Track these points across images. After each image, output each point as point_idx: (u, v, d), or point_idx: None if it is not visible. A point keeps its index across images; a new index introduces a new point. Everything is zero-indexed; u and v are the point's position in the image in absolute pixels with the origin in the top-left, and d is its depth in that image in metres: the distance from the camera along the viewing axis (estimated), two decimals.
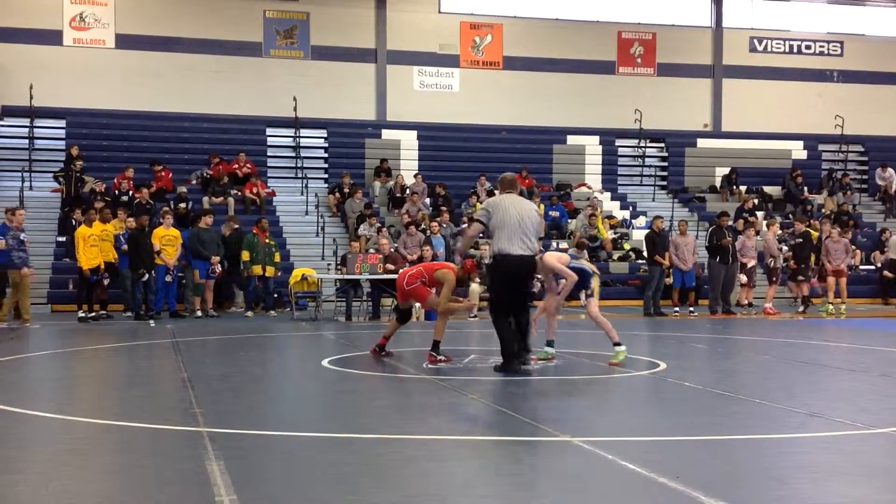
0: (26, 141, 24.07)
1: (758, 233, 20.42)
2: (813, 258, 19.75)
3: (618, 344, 9.99)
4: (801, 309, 19.37)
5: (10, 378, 9.51)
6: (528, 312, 9.54)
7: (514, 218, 9.25)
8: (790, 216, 24.75)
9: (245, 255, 18.00)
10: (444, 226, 21.21)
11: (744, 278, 19.22)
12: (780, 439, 6.27)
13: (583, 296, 10.17)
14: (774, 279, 19.08)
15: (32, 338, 13.66)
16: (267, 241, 18.30)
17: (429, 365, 9.67)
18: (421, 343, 13.27)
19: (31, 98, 23.87)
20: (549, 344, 10.26)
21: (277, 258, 18.55)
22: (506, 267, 9.26)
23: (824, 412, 7.14)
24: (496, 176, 25.33)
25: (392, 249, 18.16)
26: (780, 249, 20.16)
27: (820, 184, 27.96)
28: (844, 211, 26.02)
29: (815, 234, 20.37)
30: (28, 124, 24.21)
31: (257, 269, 17.98)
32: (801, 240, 19.42)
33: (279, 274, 18.65)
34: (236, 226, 19.11)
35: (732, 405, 7.63)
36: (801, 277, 19.60)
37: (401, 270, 10.96)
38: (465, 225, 9.34)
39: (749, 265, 19.18)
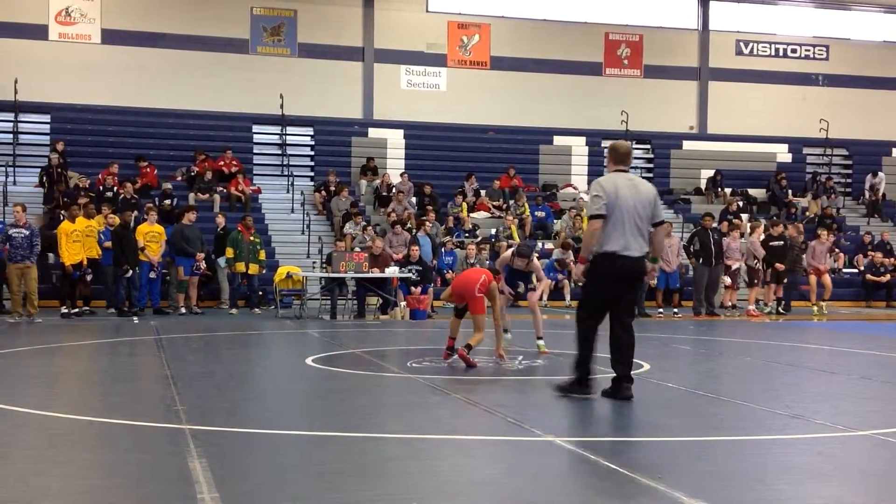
0: (10, 136, 23.92)
1: (742, 235, 20.50)
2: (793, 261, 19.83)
3: (540, 338, 10.84)
4: (767, 311, 19.43)
5: None
6: (631, 328, 7.81)
7: (630, 207, 7.44)
8: (774, 218, 24.86)
9: (229, 253, 17.95)
10: (431, 225, 21.24)
11: (728, 280, 19.30)
12: (762, 441, 6.30)
13: (521, 287, 10.94)
14: (756, 281, 19.16)
15: (14, 334, 13.59)
16: (251, 238, 18.26)
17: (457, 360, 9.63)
18: (406, 342, 13.28)
19: (16, 92, 23.74)
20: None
21: (262, 256, 18.51)
22: (613, 270, 7.50)
23: (805, 414, 7.18)
24: (484, 175, 25.70)
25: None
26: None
27: (804, 187, 28.11)
28: (828, 214, 26.16)
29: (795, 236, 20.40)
30: (12, 119, 24.07)
31: (241, 267, 17.93)
32: (781, 242, 19.50)
33: (264, 271, 18.61)
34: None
35: (715, 406, 7.67)
36: (774, 281, 19.58)
37: (467, 273, 10.18)
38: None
39: (733, 267, 19.27)
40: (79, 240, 16.24)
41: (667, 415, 7.28)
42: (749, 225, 20.48)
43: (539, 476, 5.19)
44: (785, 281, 19.44)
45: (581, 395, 7.56)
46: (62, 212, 18.73)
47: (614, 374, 7.71)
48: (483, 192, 24.85)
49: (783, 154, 29.21)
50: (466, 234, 22.51)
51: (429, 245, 19.00)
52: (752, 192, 27.59)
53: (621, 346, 7.66)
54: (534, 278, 11.34)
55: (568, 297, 20.92)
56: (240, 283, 18.22)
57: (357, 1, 26.94)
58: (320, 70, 26.52)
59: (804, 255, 20.13)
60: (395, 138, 26.59)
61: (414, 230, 20.21)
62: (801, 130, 29.34)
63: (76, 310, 16.24)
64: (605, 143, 27.95)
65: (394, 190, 23.74)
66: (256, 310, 18.00)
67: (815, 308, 19.50)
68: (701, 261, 18.59)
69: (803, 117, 29.35)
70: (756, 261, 19.02)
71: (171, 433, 6.14)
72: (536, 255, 22.43)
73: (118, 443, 5.97)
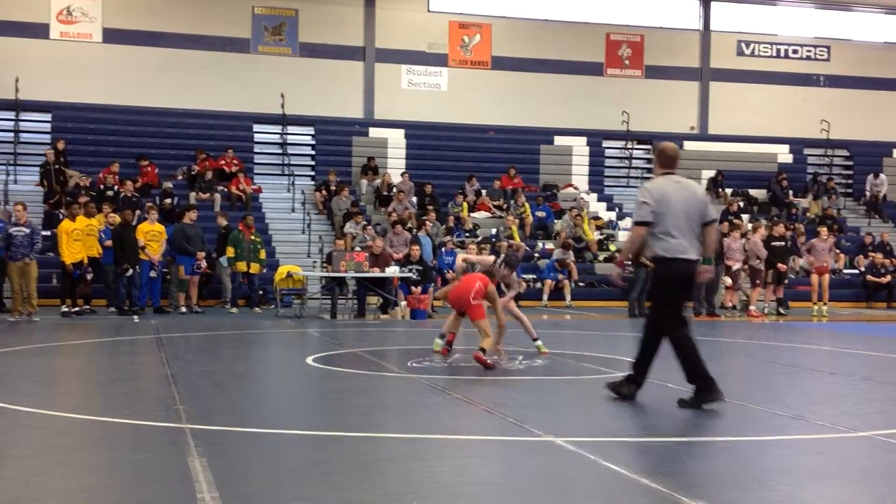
0: (11, 134, 23.93)
1: (743, 235, 20.49)
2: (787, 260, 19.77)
3: (536, 339, 10.87)
4: (765, 310, 19.40)
5: None
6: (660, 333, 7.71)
7: (681, 210, 7.44)
8: (775, 219, 24.86)
9: (230, 252, 17.96)
10: (432, 224, 21.24)
11: (728, 281, 19.29)
12: (762, 441, 6.30)
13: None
14: (758, 282, 19.15)
15: (15, 332, 13.59)
16: (252, 237, 18.26)
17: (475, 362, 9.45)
18: (406, 342, 13.29)
19: (17, 91, 23.75)
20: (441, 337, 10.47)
21: (263, 255, 18.52)
22: (678, 272, 7.42)
23: (805, 415, 7.18)
24: (484, 176, 25.73)
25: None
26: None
27: (805, 187, 28.11)
28: (829, 215, 26.17)
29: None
30: (13, 117, 24.08)
31: (241, 266, 17.95)
32: (782, 242, 19.49)
33: (264, 271, 18.61)
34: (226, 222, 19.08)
35: (716, 407, 7.66)
36: (775, 282, 19.56)
37: (460, 285, 10.06)
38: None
39: (734, 268, 19.26)
40: (79, 238, 16.24)
41: (667, 415, 7.28)
42: (751, 225, 20.45)
43: (540, 476, 5.19)
44: (785, 282, 19.44)
45: (713, 402, 7.28)
46: (62, 210, 18.74)
47: (630, 374, 7.81)
48: (484, 192, 24.85)
49: (784, 155, 29.21)
50: (467, 234, 22.51)
51: (429, 245, 19.00)
52: (752, 192, 27.59)
53: (647, 348, 7.73)
54: (504, 286, 10.84)
55: (568, 297, 20.92)
56: (240, 283, 18.23)
57: (358, 0, 26.95)
58: (321, 69, 26.53)
59: (799, 254, 20.16)
60: (396, 138, 26.60)
61: (415, 230, 20.20)
62: (802, 131, 29.34)
63: (76, 308, 16.24)
64: (607, 144, 28.09)
65: (394, 189, 23.75)
66: (257, 309, 18.00)
67: (816, 308, 19.47)
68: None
69: (804, 118, 29.35)
70: (759, 261, 18.98)
71: (171, 432, 6.14)
72: (537, 255, 22.51)
73: (118, 442, 5.97)
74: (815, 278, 19.81)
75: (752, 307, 18.96)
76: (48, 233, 19.82)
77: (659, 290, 7.63)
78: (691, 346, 7.39)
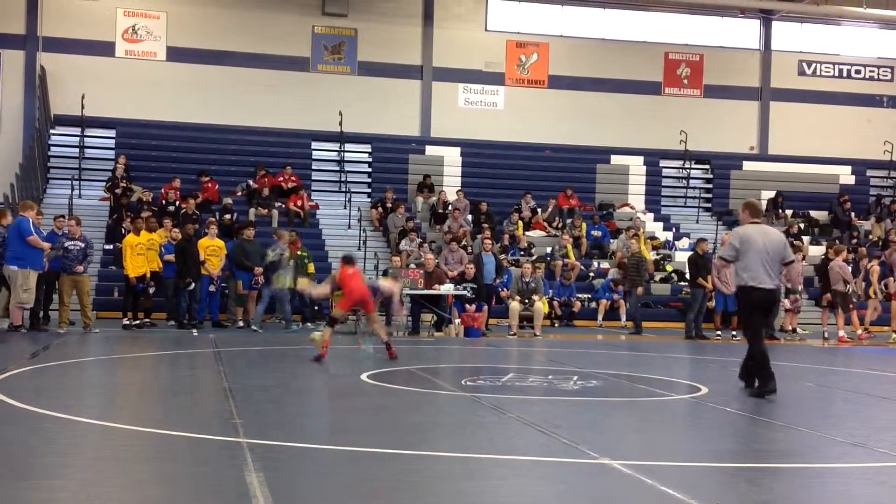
0: (77, 150, 24.49)
1: (804, 258, 20.13)
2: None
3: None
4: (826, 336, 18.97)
5: (55, 384, 9.66)
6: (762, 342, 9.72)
7: (762, 249, 9.42)
8: (837, 242, 24.42)
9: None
10: (492, 243, 21.06)
11: (787, 303, 18.98)
12: (821, 469, 6.19)
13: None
14: (852, 306, 18.62)
15: (78, 344, 13.86)
16: (299, 252, 18.34)
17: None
18: (460, 360, 13.29)
19: (83, 108, 24.30)
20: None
21: (311, 269, 18.51)
22: (756, 298, 9.47)
23: (867, 442, 7.03)
24: (540, 194, 25.62)
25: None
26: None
27: (867, 209, 27.60)
28: (892, 238, 25.61)
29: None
30: (79, 133, 24.63)
31: (282, 281, 17.93)
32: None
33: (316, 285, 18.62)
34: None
35: (773, 432, 7.54)
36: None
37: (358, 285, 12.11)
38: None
39: (795, 290, 18.90)
40: (142, 253, 16.54)
41: (724, 440, 7.18)
42: (832, 249, 19.93)
43: (595, 499, 5.15)
44: (851, 306, 19.01)
45: (769, 392, 9.31)
46: (124, 225, 19.09)
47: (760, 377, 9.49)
48: (539, 211, 24.79)
49: (846, 176, 28.71)
50: (521, 253, 22.45)
51: (492, 263, 18.86)
52: (813, 214, 27.14)
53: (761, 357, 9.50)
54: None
55: (623, 317, 20.70)
56: (292, 298, 18.22)
57: (417, 20, 27.15)
58: (379, 88, 26.74)
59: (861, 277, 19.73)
60: (452, 156, 26.67)
61: (469, 247, 20.13)
62: (865, 152, 28.83)
63: (137, 322, 16.52)
64: (664, 163, 27.88)
65: (450, 207, 23.81)
66: (310, 324, 18.06)
67: (894, 334, 18.81)
68: None
69: (867, 139, 28.85)
70: (848, 285, 18.46)
71: (228, 446, 6.22)
72: (592, 274, 22.36)
73: (177, 454, 6.05)
74: (895, 305, 19.13)
75: (841, 332, 18.33)
76: (110, 246, 20.27)
77: (745, 311, 9.81)
78: (764, 351, 9.53)
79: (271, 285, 17.30)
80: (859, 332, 18.56)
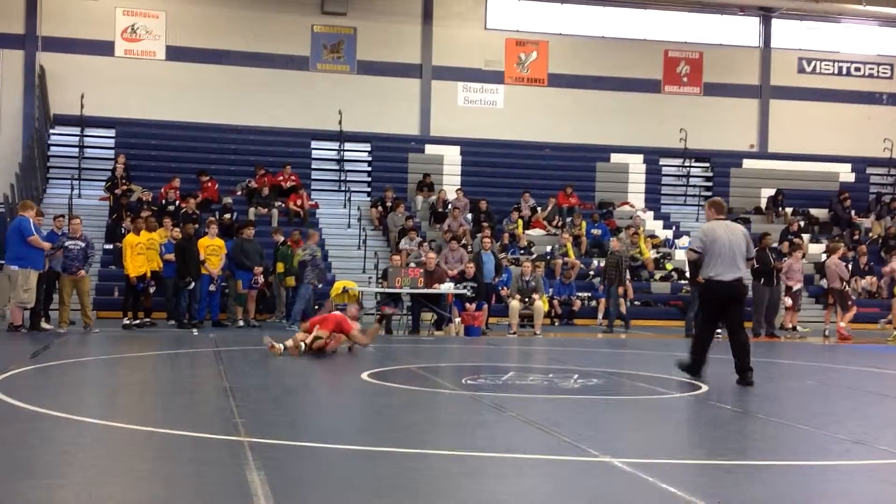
0: (76, 150, 24.48)
1: (804, 255, 20.14)
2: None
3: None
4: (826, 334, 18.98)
5: (55, 383, 9.66)
6: (743, 332, 10.02)
7: (726, 244, 9.90)
8: (836, 239, 24.42)
9: (280, 268, 18.11)
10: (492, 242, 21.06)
11: (789, 301, 18.97)
12: (822, 466, 6.18)
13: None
14: (850, 303, 18.62)
15: (78, 344, 13.86)
16: (300, 252, 18.33)
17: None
18: (460, 359, 13.29)
19: (82, 107, 24.30)
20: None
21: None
22: (718, 291, 9.92)
23: (868, 439, 7.02)
24: (539, 193, 25.60)
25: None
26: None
27: (868, 207, 27.60)
28: (892, 235, 25.63)
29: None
30: (78, 133, 24.64)
31: (290, 281, 18.02)
32: (844, 263, 19.10)
33: (320, 286, 18.70)
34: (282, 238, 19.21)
35: (774, 430, 7.54)
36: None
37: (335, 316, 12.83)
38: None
39: (794, 288, 18.93)
40: (142, 252, 16.53)
41: (724, 437, 7.18)
42: (829, 245, 19.92)
43: (596, 497, 5.15)
44: (850, 304, 19.00)
45: (689, 376, 9.99)
46: (124, 224, 19.10)
47: (738, 368, 9.86)
48: (539, 209, 24.79)
49: (846, 174, 28.73)
50: (521, 252, 22.45)
51: (492, 262, 18.86)
52: (813, 211, 27.15)
53: (737, 346, 9.92)
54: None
55: (600, 315, 20.59)
56: (293, 297, 18.28)
57: (416, 19, 27.15)
58: (378, 87, 26.74)
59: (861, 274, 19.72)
60: (452, 155, 26.68)
61: (469, 246, 20.14)
62: (865, 150, 28.84)
63: (138, 321, 16.51)
64: (664, 162, 27.91)
65: (449, 206, 23.81)
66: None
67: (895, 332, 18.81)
68: (762, 281, 18.30)
69: (867, 136, 28.86)
70: (843, 283, 18.48)
71: (229, 445, 6.21)
72: (591, 273, 22.36)
73: (178, 454, 6.05)
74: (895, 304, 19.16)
75: (841, 324, 18.35)
76: (110, 246, 20.26)
77: (703, 302, 10.47)
78: (706, 342, 10.12)
79: (303, 282, 17.26)
80: (842, 324, 18.54)
